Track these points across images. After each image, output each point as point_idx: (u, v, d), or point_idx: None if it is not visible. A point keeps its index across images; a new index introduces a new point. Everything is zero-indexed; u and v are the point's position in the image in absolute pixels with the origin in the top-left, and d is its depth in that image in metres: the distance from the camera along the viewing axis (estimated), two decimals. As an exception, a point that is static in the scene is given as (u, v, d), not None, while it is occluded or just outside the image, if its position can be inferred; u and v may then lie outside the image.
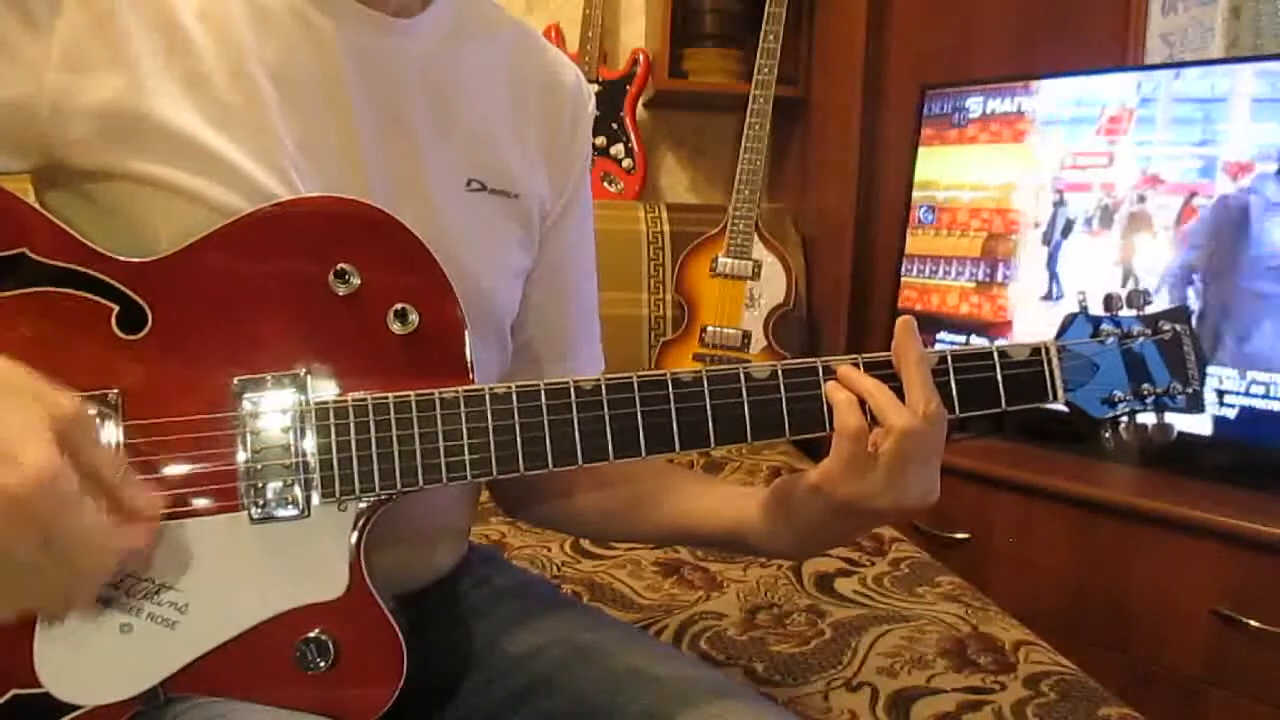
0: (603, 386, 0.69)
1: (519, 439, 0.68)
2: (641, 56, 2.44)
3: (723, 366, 0.71)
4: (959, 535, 1.81)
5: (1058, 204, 1.82)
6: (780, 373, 0.71)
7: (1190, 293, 1.62)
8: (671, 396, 0.70)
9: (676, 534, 0.89)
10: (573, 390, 0.69)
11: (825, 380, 0.71)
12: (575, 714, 0.77)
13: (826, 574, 1.36)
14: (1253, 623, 1.42)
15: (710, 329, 2.18)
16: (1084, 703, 1.02)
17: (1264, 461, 1.57)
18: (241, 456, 0.65)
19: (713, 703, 0.73)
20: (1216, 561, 1.48)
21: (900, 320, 0.72)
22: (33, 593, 0.56)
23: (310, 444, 0.66)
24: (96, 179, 0.67)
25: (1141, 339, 0.77)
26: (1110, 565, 1.61)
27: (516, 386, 0.69)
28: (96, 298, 0.64)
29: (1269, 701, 1.42)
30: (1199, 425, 1.57)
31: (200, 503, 0.65)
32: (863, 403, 0.70)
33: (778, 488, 0.77)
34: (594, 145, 2.40)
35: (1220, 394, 1.57)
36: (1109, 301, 0.77)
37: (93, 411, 0.62)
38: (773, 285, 2.18)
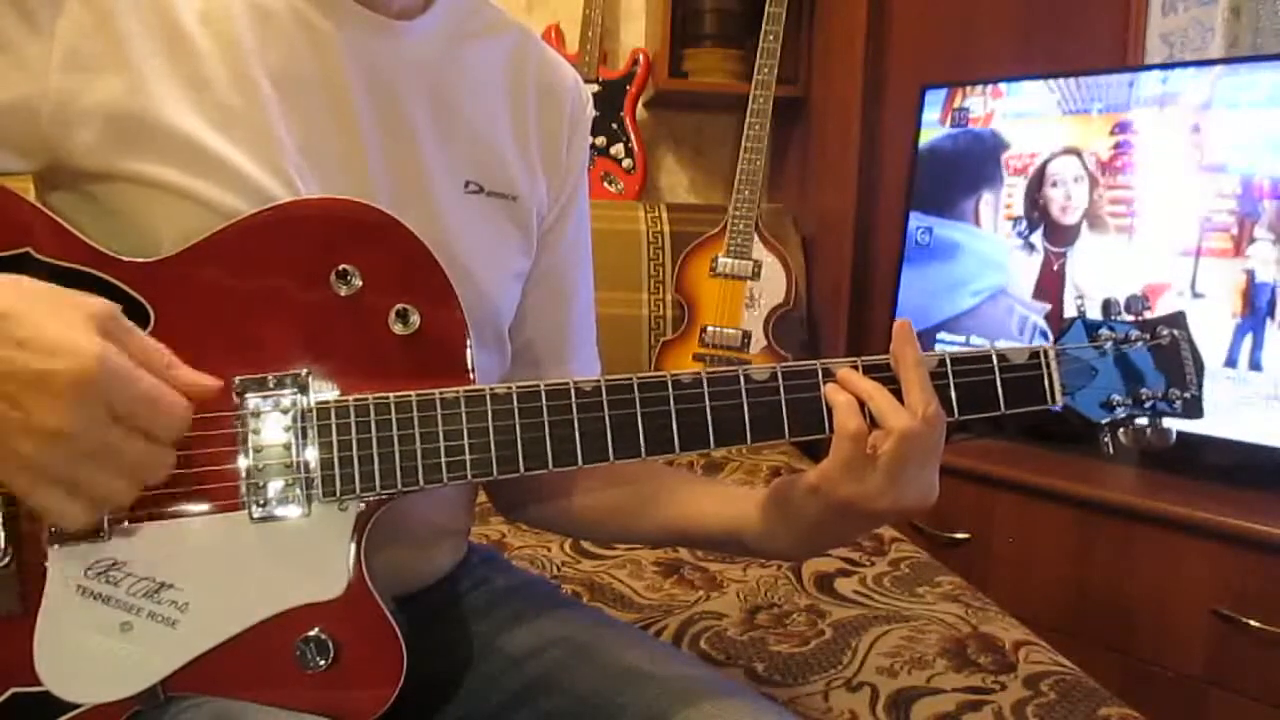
0: (603, 387, 0.70)
1: (519, 439, 0.68)
2: (641, 56, 2.44)
3: (722, 368, 0.71)
4: (959, 535, 1.81)
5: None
6: (780, 374, 0.72)
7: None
8: (671, 398, 0.70)
9: (675, 535, 0.89)
10: (573, 391, 0.69)
11: (824, 382, 0.72)
12: (575, 714, 0.77)
13: (826, 574, 1.37)
14: (1253, 623, 1.42)
15: (710, 329, 2.18)
16: (1084, 703, 1.02)
17: (1264, 461, 1.57)
18: (242, 456, 0.65)
19: (712, 702, 0.73)
20: (1216, 561, 1.48)
21: (897, 323, 0.72)
22: (115, 470, 0.57)
23: (311, 444, 0.66)
24: (98, 180, 0.67)
25: (1140, 344, 0.77)
26: (1110, 565, 1.61)
27: (517, 387, 0.69)
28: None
29: (1269, 701, 1.42)
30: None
31: (201, 502, 0.65)
32: (862, 405, 0.70)
33: (776, 489, 0.77)
34: (594, 145, 2.41)
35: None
36: (1107, 307, 0.78)
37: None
38: (773, 285, 2.18)
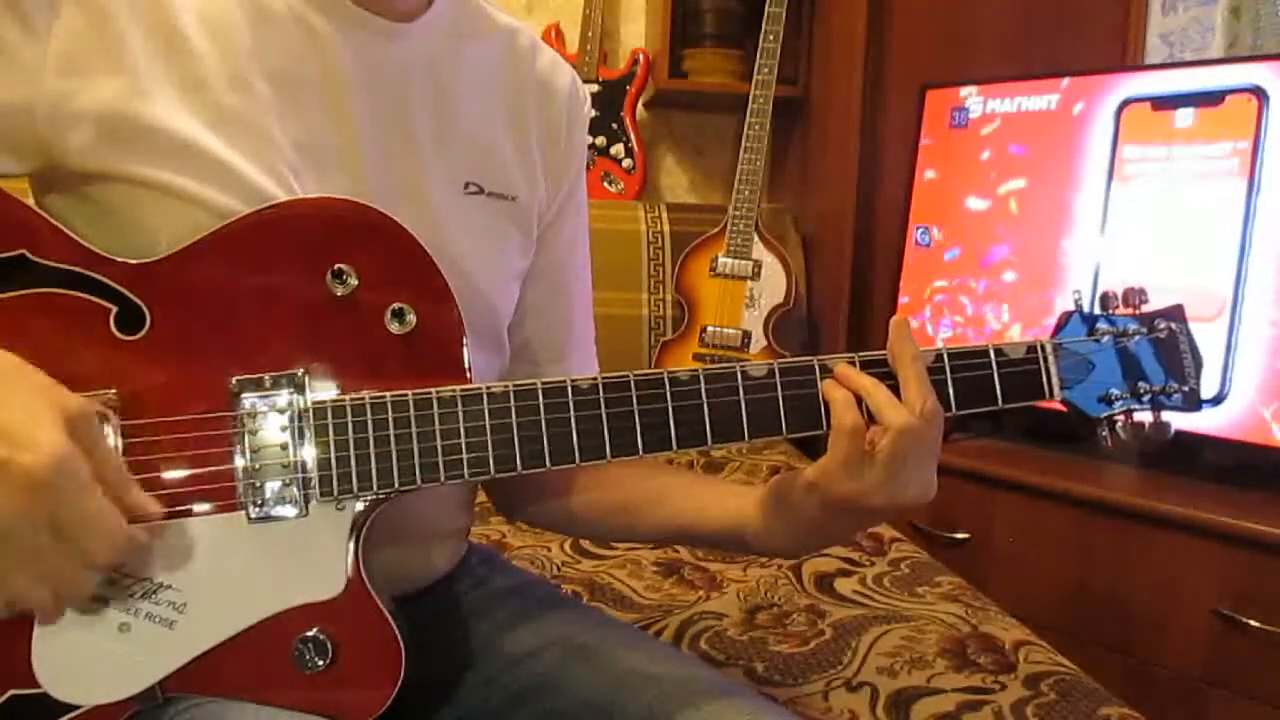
0: (600, 386, 0.69)
1: (516, 438, 0.68)
2: (641, 56, 2.44)
3: (720, 365, 0.71)
4: (959, 535, 1.80)
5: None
6: (777, 371, 0.71)
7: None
8: (669, 395, 0.70)
9: (674, 533, 0.89)
10: (570, 389, 0.69)
11: (822, 379, 0.72)
12: (575, 714, 0.77)
13: (826, 574, 1.36)
14: (1253, 623, 1.42)
15: (710, 329, 2.18)
16: (1084, 703, 1.02)
17: (1264, 461, 1.57)
18: (239, 457, 0.65)
19: (713, 702, 0.73)
20: (1216, 561, 1.48)
21: (894, 320, 0.72)
22: (35, 576, 0.56)
23: (308, 444, 0.66)
24: (94, 181, 0.67)
25: (1138, 337, 0.77)
26: (1110, 565, 1.61)
27: (514, 385, 0.69)
28: (95, 299, 0.64)
29: (1269, 701, 1.42)
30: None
31: (199, 502, 0.65)
32: (860, 401, 0.70)
33: (775, 486, 0.77)
34: (594, 145, 2.40)
35: None
36: (1105, 300, 0.78)
37: (96, 409, 0.62)
38: (773, 285, 2.18)
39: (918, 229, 2.01)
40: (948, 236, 1.97)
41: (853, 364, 0.72)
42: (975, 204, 1.94)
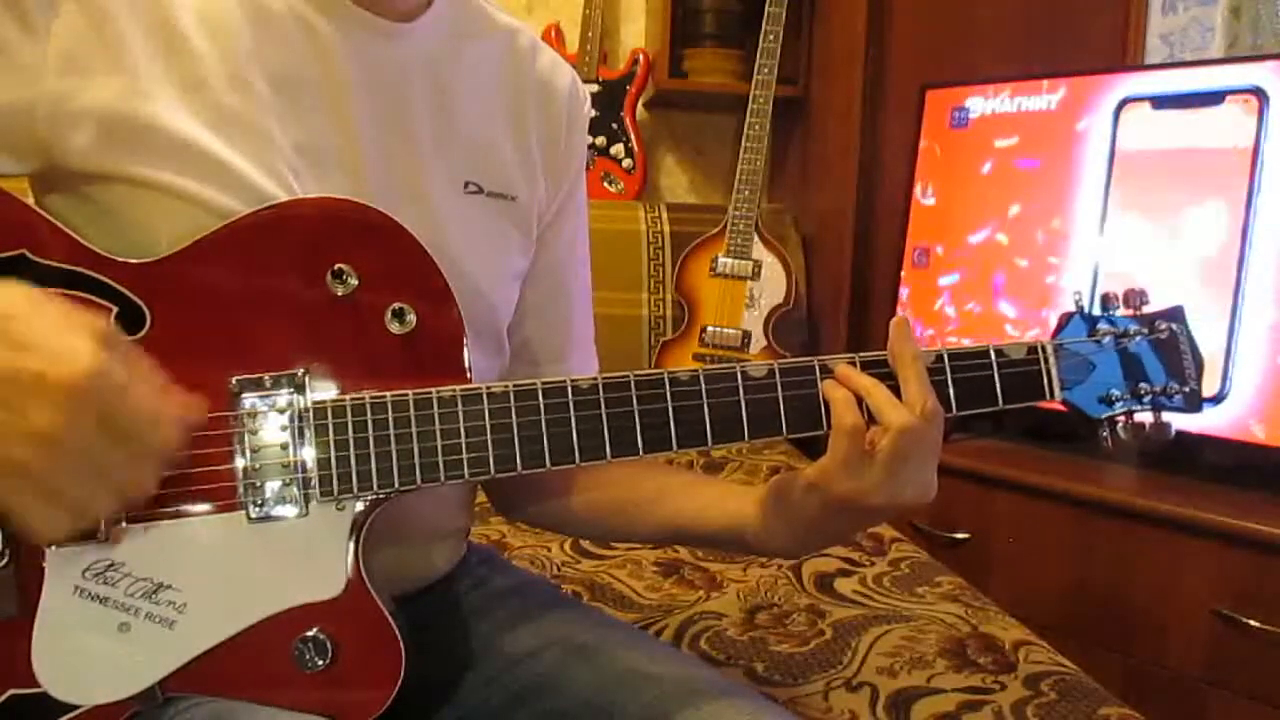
0: (600, 386, 0.69)
1: (516, 438, 0.68)
2: (641, 56, 2.44)
3: (720, 365, 0.71)
4: (959, 535, 1.80)
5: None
6: (777, 371, 0.71)
7: None
8: (669, 395, 0.70)
9: (674, 534, 0.89)
10: (570, 389, 0.69)
11: (822, 379, 0.72)
12: (575, 714, 0.77)
13: (826, 574, 1.36)
14: (1253, 623, 1.42)
15: (710, 329, 2.18)
16: (1084, 703, 1.02)
17: (1264, 461, 1.57)
18: (240, 456, 0.65)
19: (713, 702, 0.73)
20: (1216, 561, 1.48)
21: (894, 321, 0.72)
22: (96, 481, 0.56)
23: (308, 444, 0.66)
24: (94, 182, 0.67)
25: (1138, 338, 0.77)
26: (1110, 565, 1.61)
27: (514, 386, 0.69)
28: (95, 299, 0.64)
29: (1269, 701, 1.42)
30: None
31: (199, 502, 0.65)
32: (860, 401, 0.70)
33: (775, 486, 0.77)
34: (594, 145, 2.40)
35: None
36: (1106, 301, 0.78)
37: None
38: (773, 285, 2.18)
39: (916, 251, 2.01)
40: (947, 250, 1.97)
41: (853, 364, 0.72)
42: (976, 206, 1.94)
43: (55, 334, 0.54)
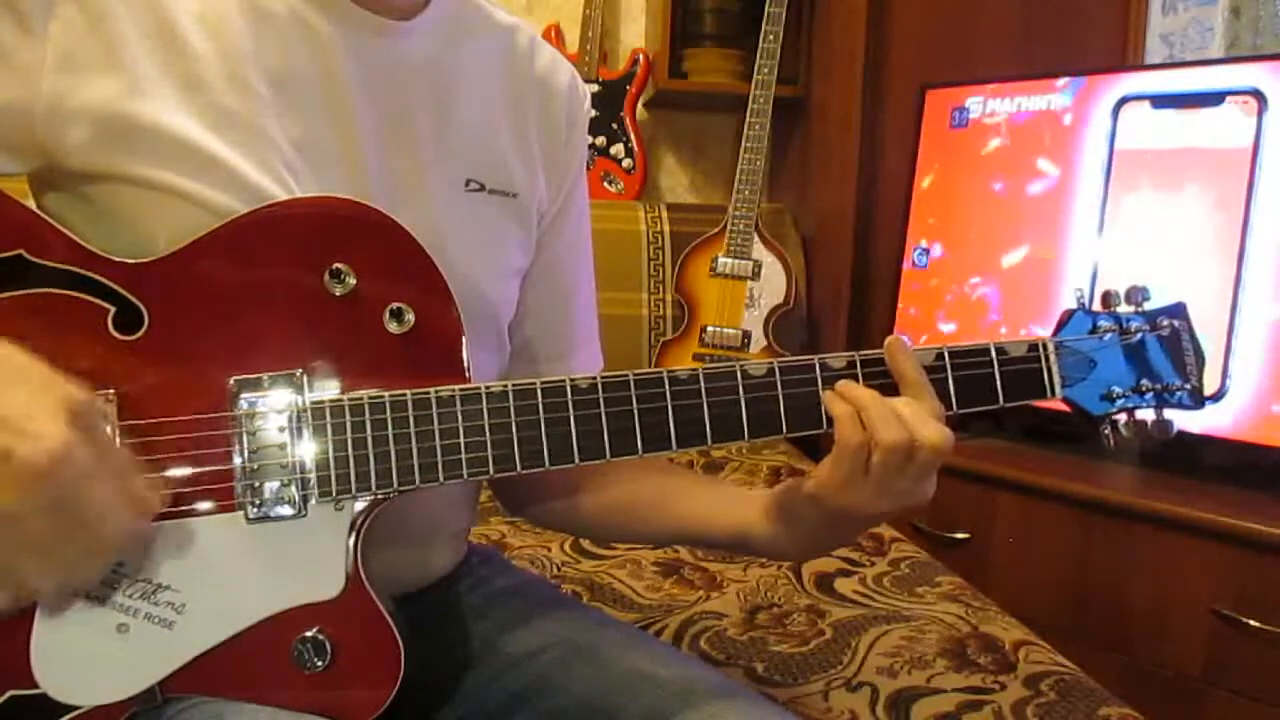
0: (599, 385, 0.69)
1: (515, 438, 0.68)
2: (641, 56, 2.44)
3: (719, 364, 0.71)
4: (959, 535, 1.80)
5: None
6: (777, 370, 0.71)
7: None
8: (668, 394, 0.70)
9: (680, 537, 0.90)
10: (569, 389, 0.69)
11: (822, 380, 0.72)
12: (575, 714, 0.77)
13: (826, 574, 1.36)
14: (1253, 623, 1.42)
15: (710, 329, 2.18)
16: (1084, 703, 1.02)
17: (1264, 461, 1.57)
18: (238, 457, 0.65)
19: (713, 703, 0.72)
20: (1216, 561, 1.47)
21: (889, 341, 0.72)
22: (41, 566, 0.56)
23: (307, 444, 0.66)
24: (93, 181, 0.67)
25: (1140, 335, 0.77)
26: (1110, 565, 1.61)
27: (513, 385, 0.69)
28: (93, 299, 0.64)
29: (1269, 701, 1.42)
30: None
31: (197, 503, 0.65)
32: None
33: (778, 496, 0.78)
34: (594, 145, 2.40)
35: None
36: (1107, 298, 0.77)
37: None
38: (773, 285, 2.18)
39: (915, 249, 2.01)
40: (946, 248, 1.97)
41: (853, 364, 0.72)
42: (974, 205, 1.94)
43: (28, 410, 0.54)
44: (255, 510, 0.65)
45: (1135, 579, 1.58)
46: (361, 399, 0.67)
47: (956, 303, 1.95)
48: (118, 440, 0.63)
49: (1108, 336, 0.76)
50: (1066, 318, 0.77)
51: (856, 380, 0.72)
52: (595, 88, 2.41)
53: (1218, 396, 1.54)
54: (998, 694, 1.03)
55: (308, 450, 0.66)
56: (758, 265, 2.18)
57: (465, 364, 0.70)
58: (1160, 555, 1.54)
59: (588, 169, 0.91)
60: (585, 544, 1.47)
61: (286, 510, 0.66)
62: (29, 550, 0.55)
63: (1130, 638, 1.58)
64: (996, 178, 1.91)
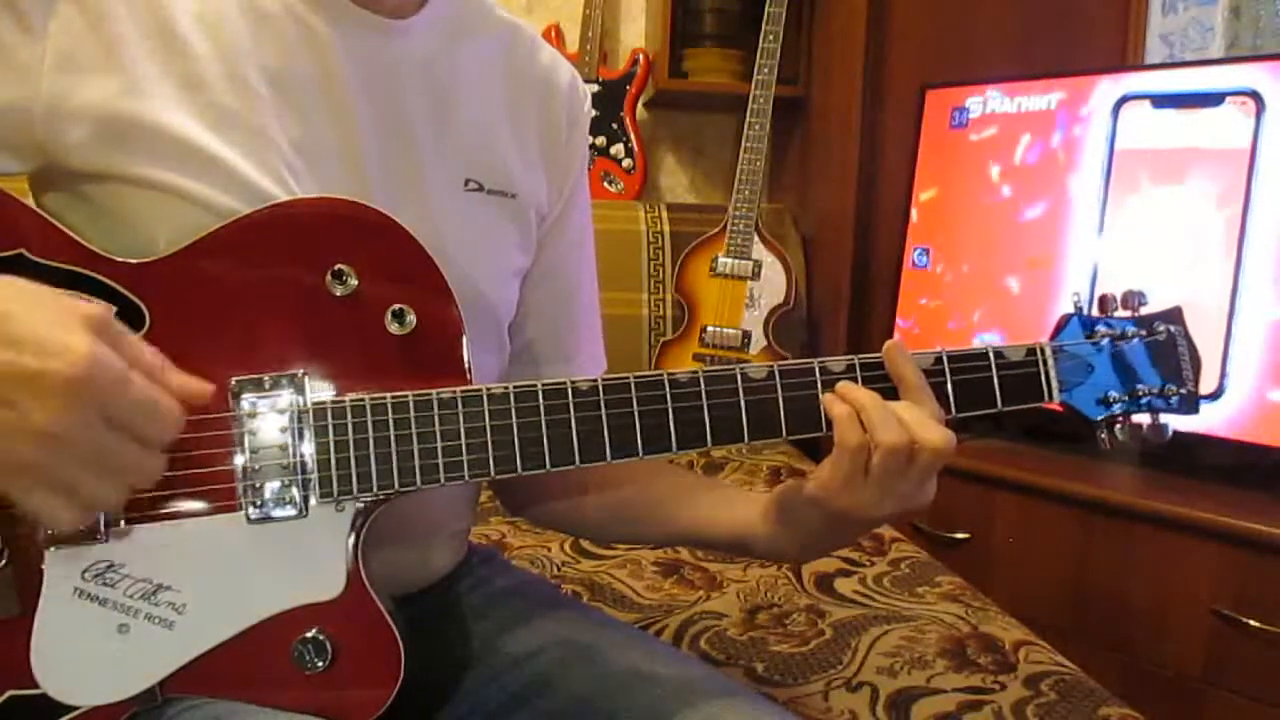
0: (600, 387, 0.69)
1: (516, 439, 0.68)
2: (641, 56, 2.44)
3: (720, 367, 0.71)
4: (959, 535, 1.80)
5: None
6: (777, 373, 0.71)
7: None
8: (669, 397, 0.70)
9: (681, 538, 0.90)
10: (570, 391, 0.69)
11: (822, 383, 0.72)
12: (575, 714, 0.77)
13: (826, 574, 1.36)
14: (1253, 623, 1.42)
15: (710, 329, 2.18)
16: (1084, 703, 1.02)
17: (1263, 461, 1.57)
18: (239, 457, 0.65)
19: (713, 703, 0.73)
20: (1216, 561, 1.48)
21: (888, 345, 0.72)
22: (100, 474, 0.56)
23: (308, 444, 0.66)
24: (93, 181, 0.67)
25: (1136, 340, 0.77)
26: (1110, 565, 1.61)
27: (514, 387, 0.69)
28: (93, 299, 0.64)
29: (1269, 701, 1.42)
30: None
31: (198, 503, 0.65)
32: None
33: (778, 498, 0.78)
34: (594, 145, 2.40)
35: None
36: (1104, 302, 0.78)
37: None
38: (773, 285, 2.18)
39: (915, 249, 2.01)
40: (947, 252, 1.97)
41: (852, 366, 0.72)
42: (975, 207, 1.94)
43: (50, 330, 0.54)
44: (256, 510, 0.65)
45: (1135, 579, 1.58)
46: (363, 400, 0.67)
47: (957, 303, 1.95)
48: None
49: (1104, 341, 0.77)
50: (1064, 322, 0.78)
51: (856, 384, 0.72)
52: (595, 88, 2.40)
53: (1215, 396, 1.54)
54: (998, 694, 1.03)
55: (308, 451, 0.66)
56: (758, 265, 2.18)
57: (466, 365, 0.70)
58: (1160, 555, 1.54)
59: (588, 169, 0.91)
60: (585, 544, 1.47)
61: (287, 511, 0.66)
62: (84, 464, 0.55)
63: (1130, 638, 1.58)
64: (996, 177, 1.91)
